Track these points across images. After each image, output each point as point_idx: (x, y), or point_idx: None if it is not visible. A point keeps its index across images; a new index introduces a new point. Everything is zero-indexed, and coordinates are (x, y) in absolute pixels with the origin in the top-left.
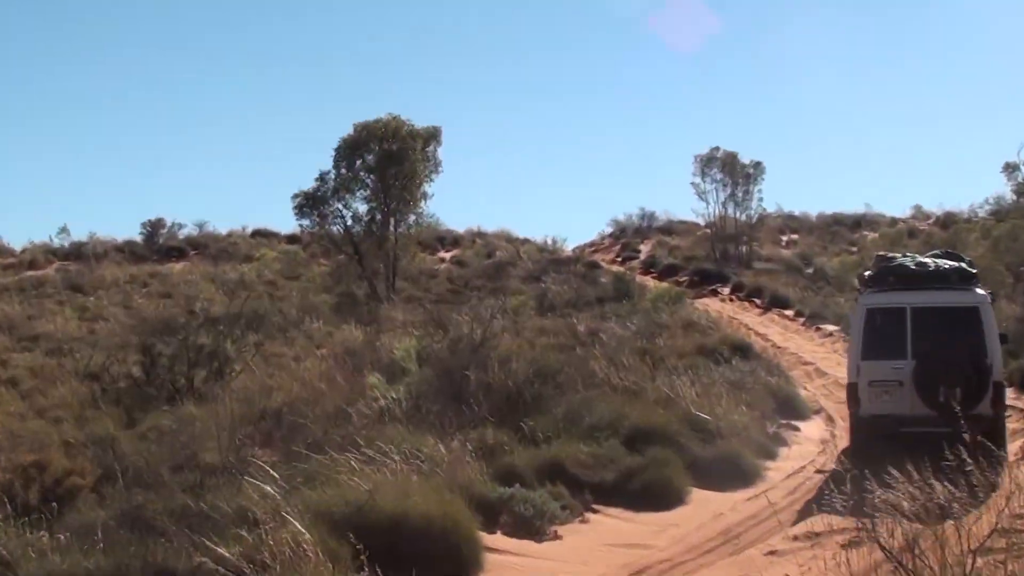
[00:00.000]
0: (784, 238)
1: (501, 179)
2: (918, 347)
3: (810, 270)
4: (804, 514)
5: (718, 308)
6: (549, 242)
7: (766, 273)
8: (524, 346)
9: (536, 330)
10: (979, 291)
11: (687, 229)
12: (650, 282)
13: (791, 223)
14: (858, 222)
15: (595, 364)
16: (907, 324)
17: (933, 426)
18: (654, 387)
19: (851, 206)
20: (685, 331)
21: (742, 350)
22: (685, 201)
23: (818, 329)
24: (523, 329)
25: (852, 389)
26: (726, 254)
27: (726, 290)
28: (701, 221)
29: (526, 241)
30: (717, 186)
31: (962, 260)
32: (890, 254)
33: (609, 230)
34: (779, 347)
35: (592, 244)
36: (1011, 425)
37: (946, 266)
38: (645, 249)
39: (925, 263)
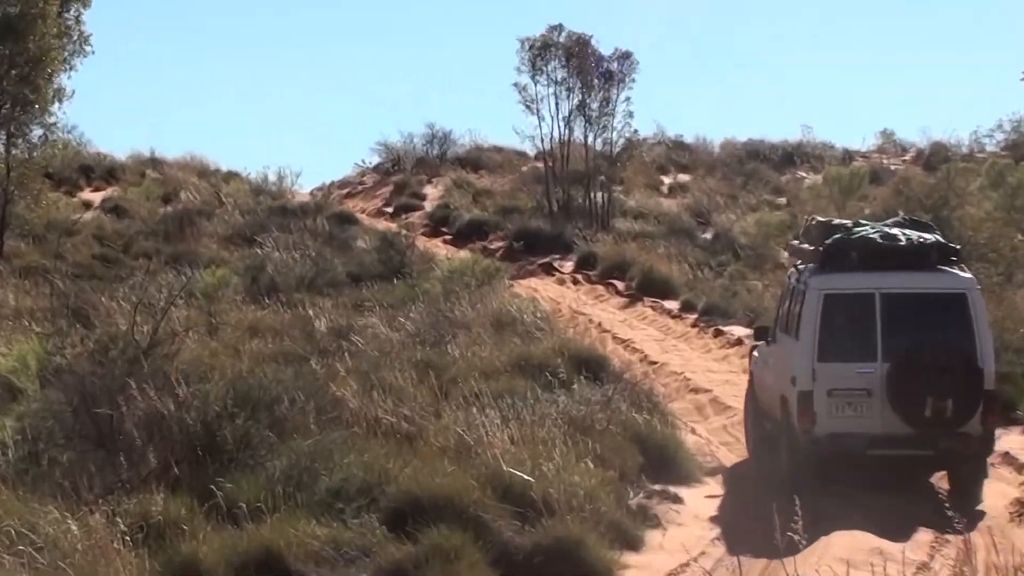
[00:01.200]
0: (667, 180)
1: (191, 74)
2: (891, 346)
3: (708, 234)
4: None
5: (554, 295)
6: (271, 179)
7: (635, 238)
8: (224, 355)
9: (245, 328)
10: (964, 273)
11: (506, 162)
12: (441, 249)
13: (679, 156)
14: (790, 156)
15: (342, 387)
16: (876, 315)
17: (911, 448)
18: (441, 427)
19: (779, 131)
20: (497, 333)
21: (591, 366)
22: (504, 116)
23: (719, 332)
24: (223, 326)
25: (805, 400)
26: (569, 205)
27: (568, 265)
28: (529, 149)
29: (232, 177)
30: (558, 90)
31: (932, 230)
32: (836, 220)
33: (374, 161)
34: (654, 362)
35: (346, 184)
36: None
37: (922, 239)
38: (434, 194)
39: (894, 235)
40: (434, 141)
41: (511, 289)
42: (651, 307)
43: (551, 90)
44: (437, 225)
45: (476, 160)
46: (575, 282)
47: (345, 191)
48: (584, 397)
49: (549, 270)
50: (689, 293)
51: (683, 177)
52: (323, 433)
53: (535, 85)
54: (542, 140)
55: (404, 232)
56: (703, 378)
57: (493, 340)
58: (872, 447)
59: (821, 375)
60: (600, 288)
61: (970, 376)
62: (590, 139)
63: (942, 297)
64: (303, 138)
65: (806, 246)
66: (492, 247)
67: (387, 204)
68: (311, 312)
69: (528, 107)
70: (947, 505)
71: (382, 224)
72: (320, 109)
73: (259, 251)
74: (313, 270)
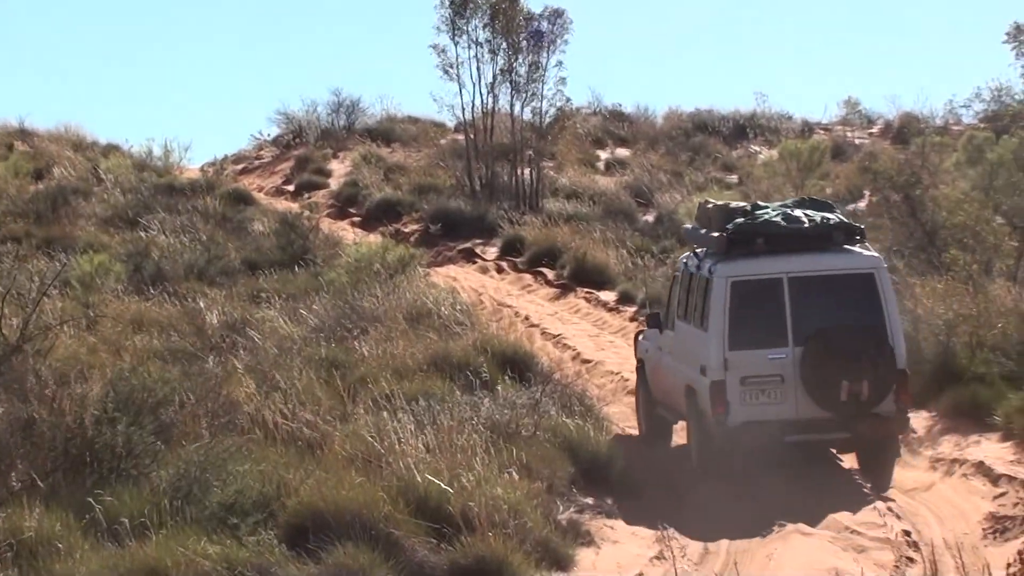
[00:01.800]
0: (604, 155)
1: (64, 34)
2: (801, 329)
3: (649, 216)
4: None
5: (476, 284)
6: (156, 153)
7: (567, 220)
8: (103, 352)
9: (128, 321)
10: (870, 252)
11: (422, 134)
12: (349, 233)
13: (617, 128)
14: (742, 128)
15: (237, 388)
16: (785, 300)
17: (827, 432)
18: (348, 433)
19: (730, 100)
20: (411, 328)
21: (517, 365)
22: (420, 82)
23: None
24: (103, 319)
25: (717, 389)
26: (493, 183)
27: (491, 251)
28: (449, 120)
29: (112, 150)
30: (480, 53)
31: (833, 210)
32: (734, 204)
33: (273, 133)
34: (588, 361)
35: (241, 159)
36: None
37: (826, 220)
38: (340, 170)
39: (797, 217)
40: (340, 110)
41: (427, 278)
42: (585, 298)
43: (473, 52)
44: (344, 205)
45: (388, 132)
46: (499, 270)
47: (240, 167)
48: (509, 400)
49: (470, 257)
50: (628, 283)
51: (622, 152)
52: (215, 440)
53: (455, 47)
54: (463, 109)
55: (307, 213)
56: None
57: (407, 336)
58: (788, 433)
59: (733, 363)
60: (527, 277)
61: (882, 356)
62: (517, 108)
63: (850, 277)
64: (192, 106)
65: (704, 231)
66: (406, 230)
67: (287, 181)
68: (202, 304)
69: (447, 72)
70: (865, 485)
71: (282, 204)
72: (211, 73)
73: (143, 235)
74: (204, 256)
